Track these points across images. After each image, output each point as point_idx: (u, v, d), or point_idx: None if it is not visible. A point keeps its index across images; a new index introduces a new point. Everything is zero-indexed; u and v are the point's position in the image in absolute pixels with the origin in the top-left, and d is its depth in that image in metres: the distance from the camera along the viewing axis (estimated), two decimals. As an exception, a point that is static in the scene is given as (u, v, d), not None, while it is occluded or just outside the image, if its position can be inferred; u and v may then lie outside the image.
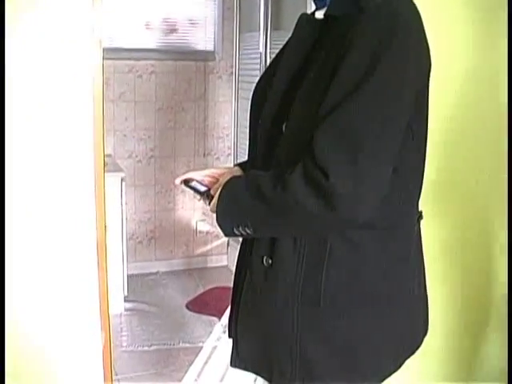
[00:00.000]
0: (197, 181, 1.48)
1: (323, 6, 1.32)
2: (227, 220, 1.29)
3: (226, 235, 1.32)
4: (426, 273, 1.51)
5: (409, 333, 1.42)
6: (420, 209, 1.45)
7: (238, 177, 1.35)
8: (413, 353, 1.46)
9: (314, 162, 1.14)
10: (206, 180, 1.49)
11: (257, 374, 1.45)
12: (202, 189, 1.44)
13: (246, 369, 1.46)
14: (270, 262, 1.33)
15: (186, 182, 1.49)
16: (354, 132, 1.14)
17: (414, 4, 1.24)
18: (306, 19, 1.36)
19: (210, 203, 1.39)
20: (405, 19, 1.18)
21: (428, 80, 1.29)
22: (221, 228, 1.31)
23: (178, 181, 1.52)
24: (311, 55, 1.29)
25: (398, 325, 1.38)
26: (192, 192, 1.48)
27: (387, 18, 1.16)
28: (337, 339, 1.32)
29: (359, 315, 1.32)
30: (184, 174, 1.52)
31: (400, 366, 1.43)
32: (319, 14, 1.33)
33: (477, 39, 1.84)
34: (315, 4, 1.37)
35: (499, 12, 1.72)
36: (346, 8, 1.23)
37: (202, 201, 1.45)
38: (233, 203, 1.29)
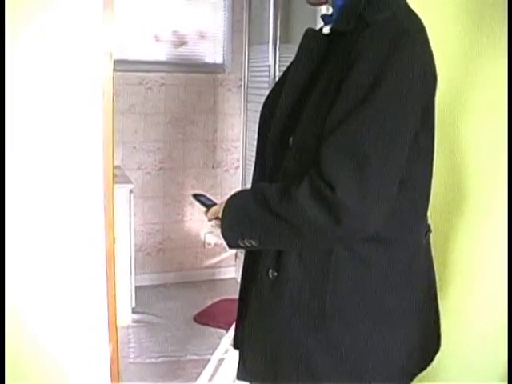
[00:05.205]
0: (206, 197, 1.52)
1: (331, 22, 1.32)
2: (233, 232, 1.29)
3: (230, 247, 1.32)
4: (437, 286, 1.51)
5: (418, 347, 1.41)
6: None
7: (244, 190, 1.36)
8: (423, 369, 1.45)
9: (321, 176, 1.15)
10: None
11: (263, 386, 1.44)
12: (208, 203, 1.47)
13: (251, 381, 1.45)
14: (276, 274, 1.33)
15: (196, 196, 1.52)
16: (360, 145, 1.14)
17: (419, 18, 1.25)
18: (312, 34, 1.36)
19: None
20: (410, 33, 1.19)
21: (434, 93, 1.29)
22: (226, 240, 1.31)
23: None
24: (318, 70, 1.29)
25: (406, 339, 1.37)
26: (199, 205, 1.51)
27: (392, 32, 1.17)
28: (343, 352, 1.31)
29: (365, 328, 1.31)
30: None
31: (410, 382, 1.43)
32: (326, 30, 1.33)
33: (475, 42, 1.84)
34: (323, 20, 1.38)
35: (498, 12, 1.73)
36: (352, 23, 1.24)
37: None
38: (238, 215, 1.29)
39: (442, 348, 1.53)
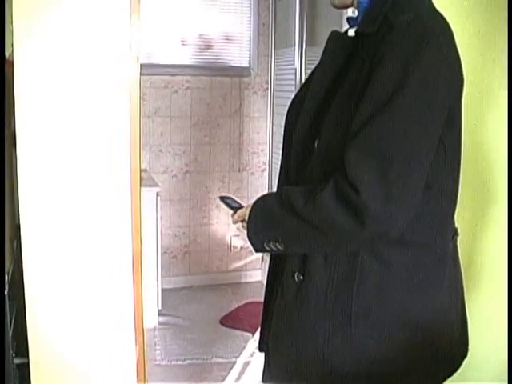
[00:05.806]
0: (233, 199, 1.53)
1: (356, 24, 1.32)
2: (258, 234, 1.30)
3: (256, 250, 1.33)
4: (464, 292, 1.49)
5: (445, 352, 1.40)
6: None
7: (270, 193, 1.37)
8: (451, 374, 1.44)
9: (346, 179, 1.14)
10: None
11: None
12: (235, 205, 1.47)
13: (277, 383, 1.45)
14: (302, 278, 1.33)
15: (223, 198, 1.53)
16: (385, 148, 1.13)
17: (444, 19, 1.24)
18: (337, 37, 1.36)
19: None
20: (435, 34, 1.18)
21: (461, 95, 1.28)
22: (251, 243, 1.31)
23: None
24: (343, 72, 1.29)
25: (432, 343, 1.36)
26: (226, 207, 1.51)
27: (417, 33, 1.16)
28: (368, 355, 1.31)
29: (390, 332, 1.30)
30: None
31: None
32: (351, 32, 1.33)
33: (495, 37, 1.83)
34: (348, 23, 1.38)
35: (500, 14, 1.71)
36: (376, 25, 1.24)
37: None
38: (264, 218, 1.29)
39: (469, 351, 1.51)
